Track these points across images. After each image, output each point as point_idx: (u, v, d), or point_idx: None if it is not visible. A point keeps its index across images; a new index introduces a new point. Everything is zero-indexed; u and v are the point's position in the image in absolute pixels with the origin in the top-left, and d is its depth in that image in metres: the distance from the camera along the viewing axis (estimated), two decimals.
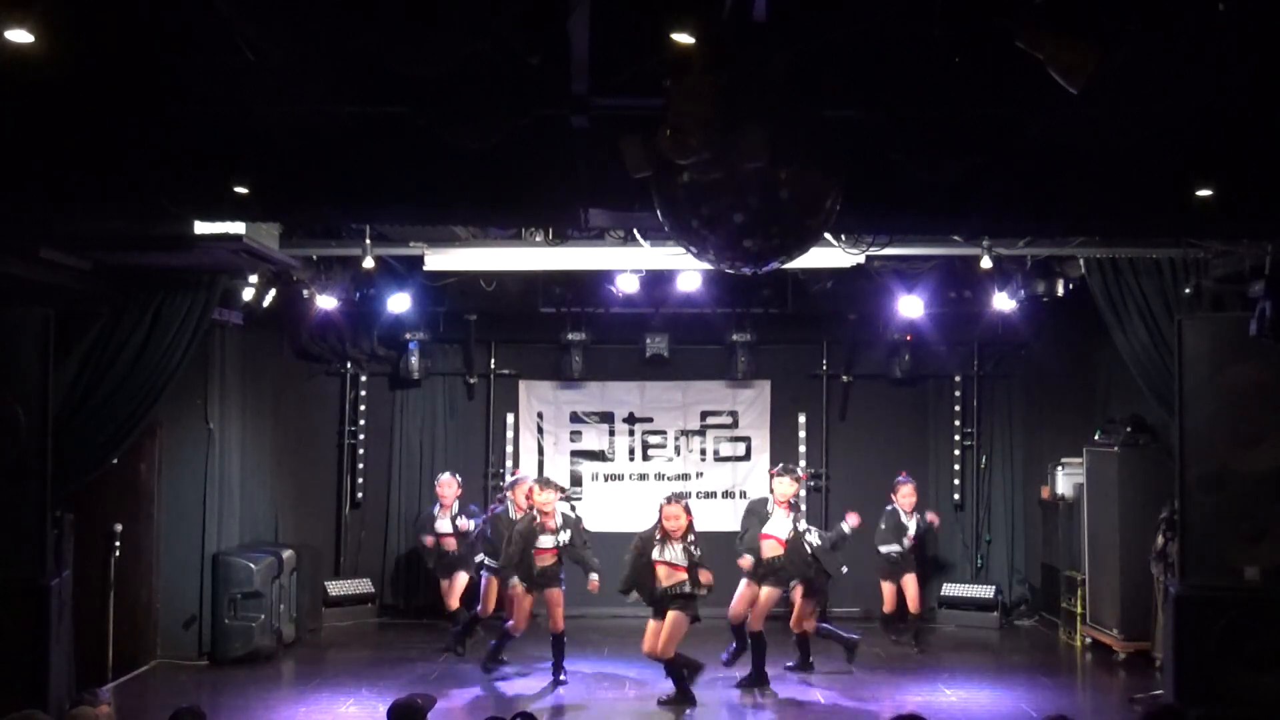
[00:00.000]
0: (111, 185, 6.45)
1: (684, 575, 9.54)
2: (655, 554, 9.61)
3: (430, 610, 11.74)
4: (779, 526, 10.45)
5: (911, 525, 11.79)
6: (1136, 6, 4.62)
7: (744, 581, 10.44)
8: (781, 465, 11.06)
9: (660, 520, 9.64)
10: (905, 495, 11.84)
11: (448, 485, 11.68)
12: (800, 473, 11.29)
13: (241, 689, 10.18)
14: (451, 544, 11.53)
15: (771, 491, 10.70)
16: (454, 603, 11.55)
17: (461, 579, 11.48)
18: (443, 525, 11.58)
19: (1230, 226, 7.56)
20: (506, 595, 10.49)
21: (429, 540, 11.54)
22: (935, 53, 5.05)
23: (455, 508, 11.61)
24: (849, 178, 5.36)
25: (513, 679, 10.56)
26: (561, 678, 10.37)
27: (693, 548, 9.57)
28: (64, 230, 8.12)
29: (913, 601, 11.80)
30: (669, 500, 9.76)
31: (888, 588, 11.83)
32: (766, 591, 10.35)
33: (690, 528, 9.60)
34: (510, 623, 10.45)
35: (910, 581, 11.80)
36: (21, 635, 8.19)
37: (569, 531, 10.42)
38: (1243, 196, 6.53)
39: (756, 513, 10.66)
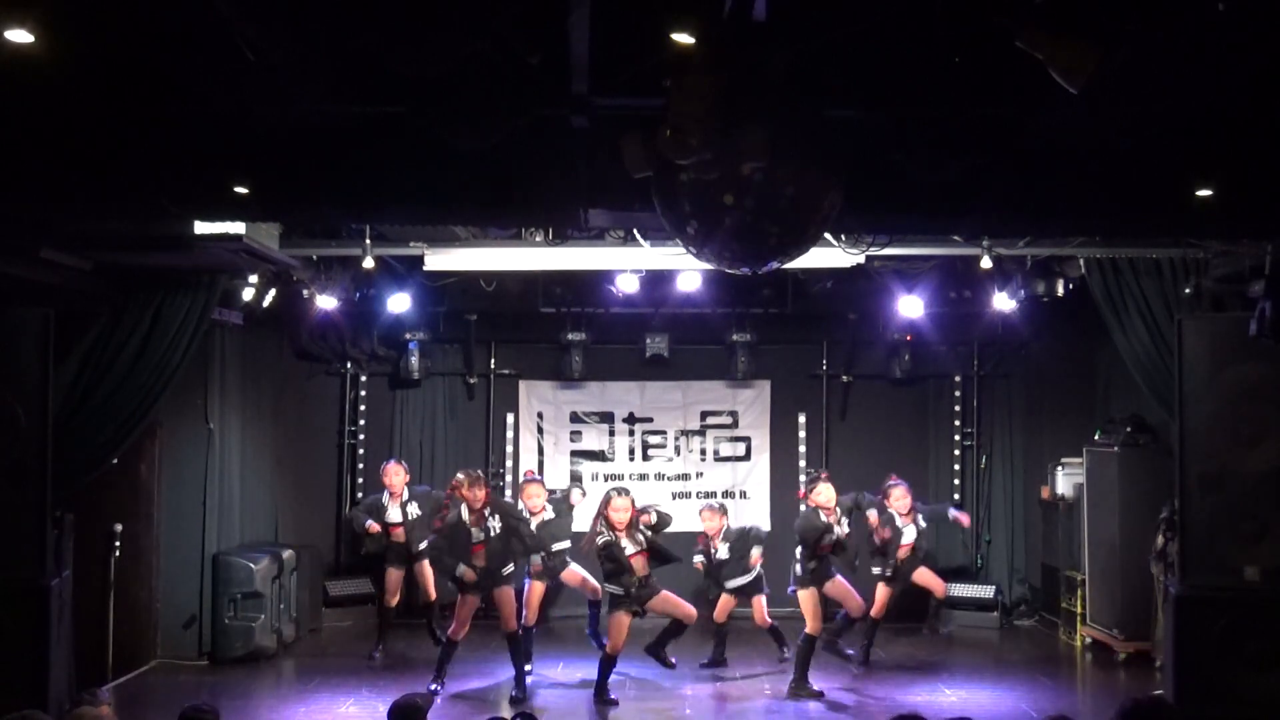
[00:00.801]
0: (111, 185, 6.45)
1: (646, 559, 9.80)
2: (622, 551, 9.69)
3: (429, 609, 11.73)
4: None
5: (908, 531, 11.09)
6: (1136, 6, 4.62)
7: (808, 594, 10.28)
8: (808, 479, 10.66)
9: (605, 512, 9.72)
10: (899, 498, 11.10)
11: (394, 473, 11.43)
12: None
13: (241, 689, 10.19)
14: (400, 534, 11.36)
15: (819, 506, 10.33)
16: (394, 599, 11.36)
17: (397, 574, 11.31)
18: (393, 514, 11.36)
19: (1230, 226, 7.55)
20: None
21: (373, 527, 11.28)
22: (935, 53, 5.05)
23: (405, 494, 11.41)
24: (849, 178, 5.36)
25: (512, 678, 10.55)
26: (526, 668, 10.19)
27: (644, 531, 9.76)
28: (64, 230, 8.12)
29: (939, 589, 11.34)
30: (619, 493, 9.83)
31: (884, 590, 11.06)
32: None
33: (635, 520, 9.75)
34: (450, 630, 10.12)
35: (925, 572, 11.25)
36: (21, 635, 8.19)
37: (497, 517, 10.01)
38: (1243, 196, 6.53)
39: (816, 530, 10.24)
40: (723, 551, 10.82)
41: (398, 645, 11.57)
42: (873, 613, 11.04)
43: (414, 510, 11.34)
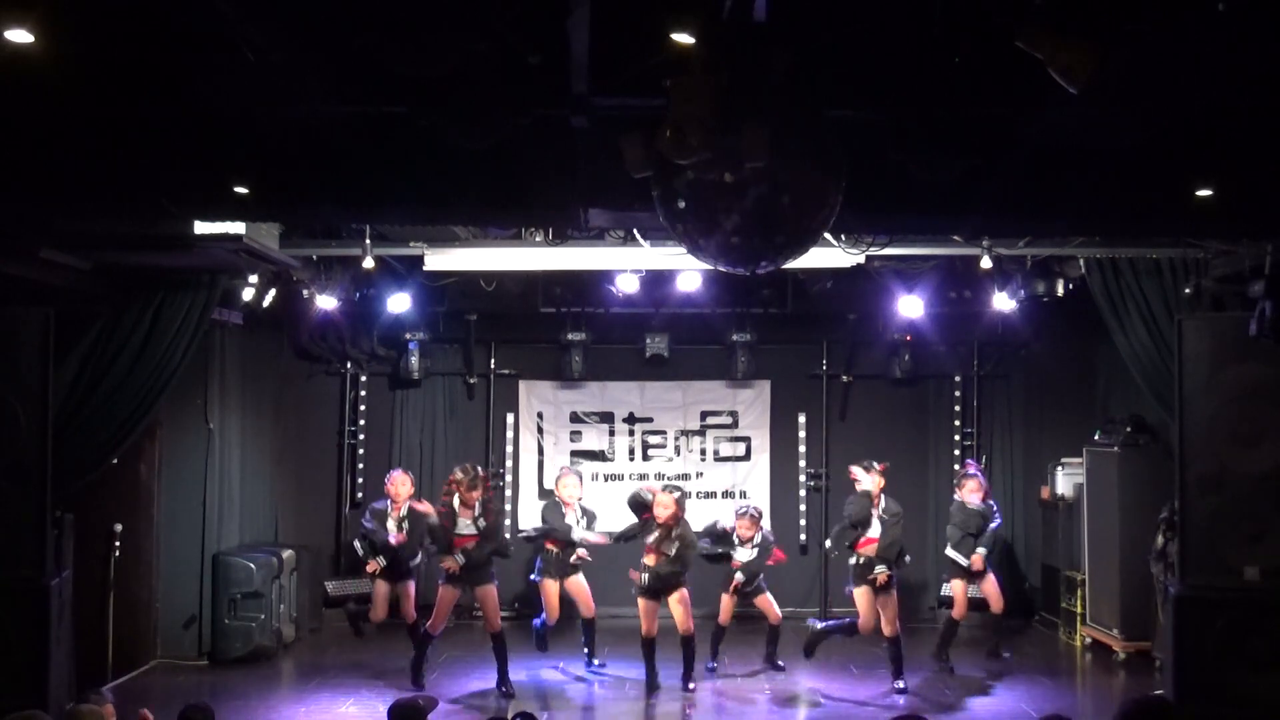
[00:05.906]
0: (111, 185, 6.46)
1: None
2: (649, 540, 9.98)
3: (429, 610, 11.68)
4: (874, 528, 10.33)
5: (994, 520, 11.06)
6: (1136, 6, 4.62)
7: (862, 591, 10.24)
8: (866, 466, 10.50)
9: (653, 507, 9.95)
10: (971, 490, 11.07)
11: (400, 483, 10.81)
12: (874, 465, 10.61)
13: (241, 689, 10.18)
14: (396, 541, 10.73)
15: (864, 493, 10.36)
16: (381, 614, 10.77)
17: (412, 586, 10.79)
18: (391, 526, 10.72)
19: (1230, 226, 7.56)
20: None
21: (372, 566, 10.67)
22: (935, 53, 5.05)
23: (404, 510, 10.72)
24: (849, 178, 5.36)
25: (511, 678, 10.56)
26: (505, 689, 9.99)
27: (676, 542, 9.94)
28: (64, 230, 8.12)
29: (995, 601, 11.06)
30: (665, 489, 10.06)
31: (960, 586, 10.99)
32: (881, 595, 10.14)
33: (679, 519, 9.98)
34: (429, 623, 10.18)
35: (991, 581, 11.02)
36: (21, 635, 8.18)
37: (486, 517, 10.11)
38: (1243, 196, 6.54)
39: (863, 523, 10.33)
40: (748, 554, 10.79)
41: (398, 648, 11.53)
42: (956, 613, 11.07)
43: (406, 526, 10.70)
